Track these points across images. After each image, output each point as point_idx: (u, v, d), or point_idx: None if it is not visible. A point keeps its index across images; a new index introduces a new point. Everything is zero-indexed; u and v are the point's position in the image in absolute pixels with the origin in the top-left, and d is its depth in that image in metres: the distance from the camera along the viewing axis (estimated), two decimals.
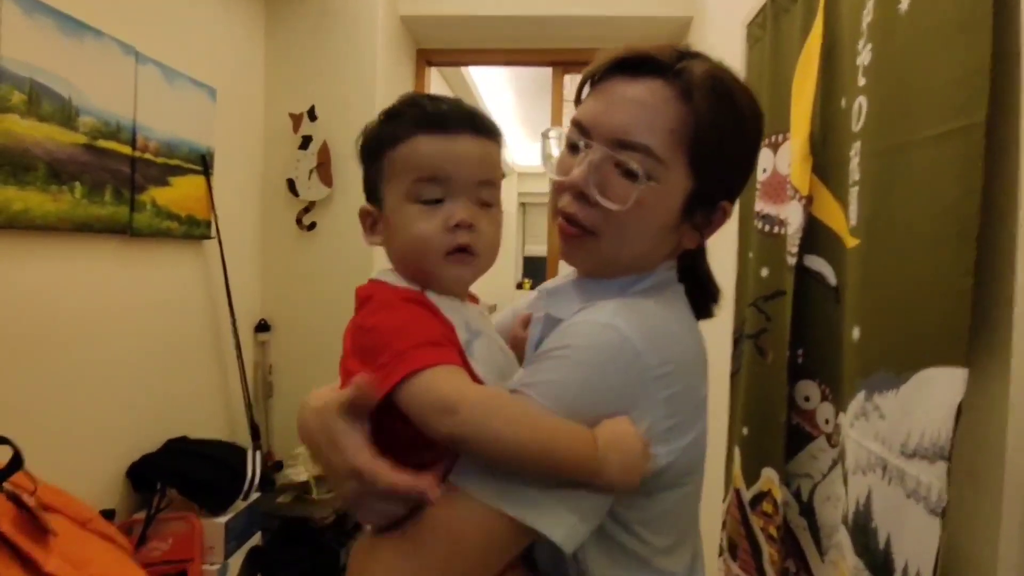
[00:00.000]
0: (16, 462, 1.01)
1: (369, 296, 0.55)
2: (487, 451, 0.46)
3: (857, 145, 0.85)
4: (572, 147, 0.59)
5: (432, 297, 0.55)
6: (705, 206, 0.59)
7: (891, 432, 0.72)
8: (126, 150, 1.45)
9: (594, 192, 0.55)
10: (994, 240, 0.58)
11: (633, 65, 0.57)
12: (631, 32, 2.33)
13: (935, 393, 0.64)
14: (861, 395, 0.80)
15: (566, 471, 0.47)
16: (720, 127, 0.55)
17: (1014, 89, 0.55)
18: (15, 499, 0.98)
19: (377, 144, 0.57)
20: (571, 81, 2.58)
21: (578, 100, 0.62)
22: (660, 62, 0.56)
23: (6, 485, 0.99)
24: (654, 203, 0.55)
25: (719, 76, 0.56)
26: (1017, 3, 0.55)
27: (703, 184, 0.57)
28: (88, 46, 1.32)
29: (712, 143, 0.55)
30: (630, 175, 0.54)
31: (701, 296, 0.67)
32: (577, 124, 0.59)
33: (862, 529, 0.78)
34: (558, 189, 0.60)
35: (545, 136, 0.65)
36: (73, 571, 0.97)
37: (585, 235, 0.58)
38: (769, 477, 1.13)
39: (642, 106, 0.55)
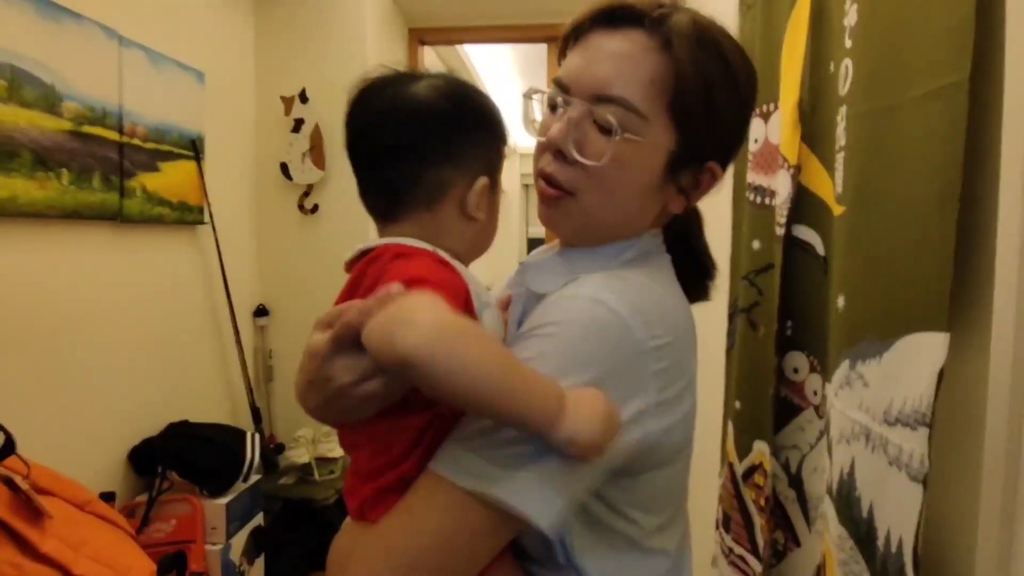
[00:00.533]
0: (8, 446, 1.02)
1: (409, 253, 0.52)
2: (444, 373, 0.40)
3: (843, 110, 0.83)
4: (552, 107, 0.57)
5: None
6: (691, 165, 0.55)
7: (874, 400, 0.72)
8: (113, 136, 1.44)
9: (571, 149, 0.53)
10: (976, 202, 0.56)
11: (614, 17, 0.54)
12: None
13: (917, 359, 0.63)
14: (845, 364, 0.79)
15: (527, 413, 0.43)
16: (704, 78, 0.52)
17: (997, 46, 0.54)
18: (8, 482, 0.99)
19: (499, 128, 0.57)
20: None
21: (561, 57, 0.60)
22: (641, 12, 0.53)
23: (0, 469, 1.01)
24: (634, 160, 0.53)
25: (704, 26, 0.54)
26: None
27: (687, 140, 0.54)
28: (69, 30, 1.31)
29: (695, 95, 0.52)
30: (607, 131, 0.52)
31: (696, 272, 0.64)
32: (558, 82, 0.57)
33: (846, 498, 0.77)
34: (539, 151, 0.57)
35: (527, 97, 0.62)
36: (70, 552, 0.98)
37: (564, 196, 0.55)
38: (760, 450, 1.13)
39: (620, 58, 0.53)
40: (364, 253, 0.55)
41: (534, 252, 0.66)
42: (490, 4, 2.32)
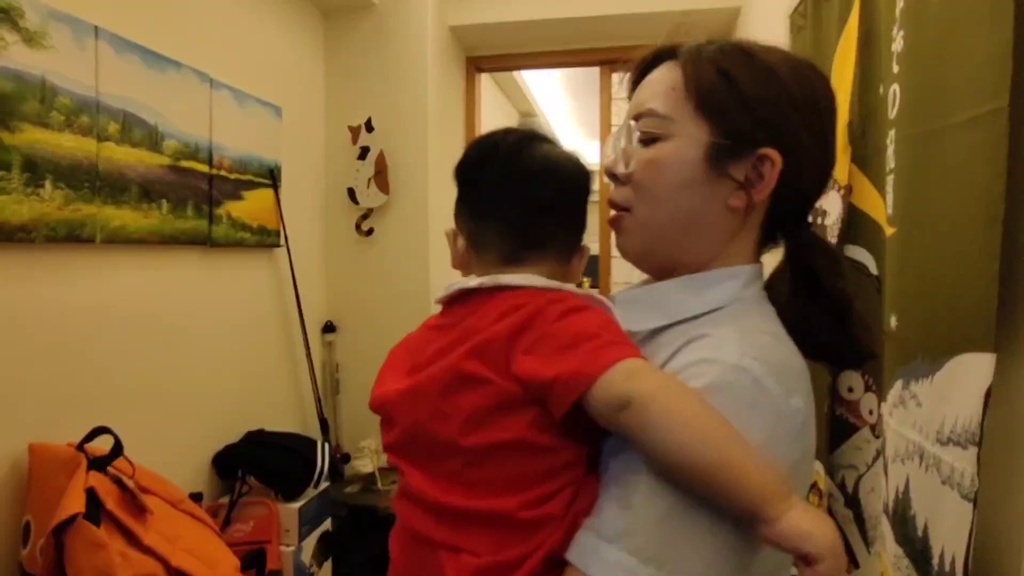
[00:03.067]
0: (117, 449, 1.15)
1: (582, 307, 0.52)
2: (663, 423, 0.43)
3: (892, 133, 0.84)
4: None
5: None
6: (738, 155, 0.52)
7: (927, 420, 0.72)
8: (204, 168, 1.59)
9: (619, 167, 0.57)
10: (1021, 225, 0.58)
11: (658, 59, 0.59)
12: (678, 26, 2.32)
13: (966, 379, 0.64)
14: (899, 384, 0.80)
15: (746, 485, 0.42)
16: (717, 66, 0.53)
17: None
18: (118, 481, 1.11)
19: None
20: (619, 79, 2.59)
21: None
22: (674, 49, 0.57)
23: (110, 469, 1.13)
24: (669, 158, 0.54)
25: (728, 43, 0.56)
26: None
27: (720, 128, 0.53)
28: (170, 77, 1.47)
29: (713, 83, 0.52)
30: (643, 141, 0.55)
31: (830, 320, 0.55)
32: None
33: (901, 517, 0.78)
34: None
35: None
36: (167, 545, 1.09)
37: (623, 215, 0.58)
38: (816, 470, 1.13)
39: (652, 83, 0.57)
40: (469, 291, 0.56)
41: (625, 288, 0.66)
42: (543, 30, 2.40)
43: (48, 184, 1.15)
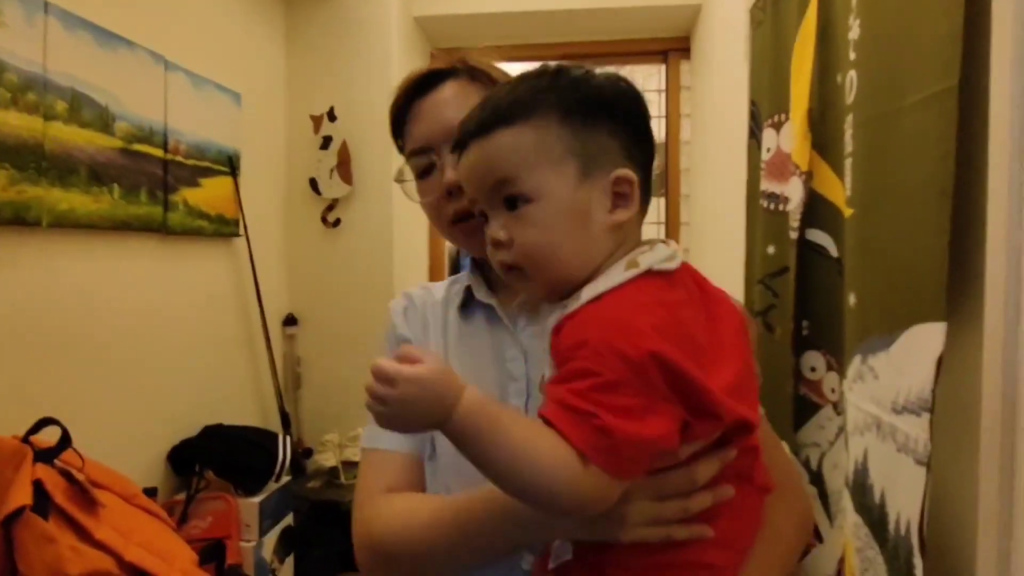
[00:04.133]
0: (64, 441, 1.10)
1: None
2: None
3: (850, 118, 0.87)
4: None
5: None
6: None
7: (884, 391, 0.75)
8: (159, 153, 1.53)
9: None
10: (969, 201, 0.60)
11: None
12: (641, 22, 2.35)
13: (919, 349, 0.67)
14: (857, 359, 0.83)
15: None
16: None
17: (984, 55, 0.58)
18: (66, 474, 1.06)
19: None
20: None
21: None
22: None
23: (57, 462, 1.08)
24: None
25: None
26: None
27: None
28: (122, 56, 1.41)
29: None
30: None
31: None
32: None
33: (860, 487, 0.81)
34: None
35: None
36: (121, 539, 1.05)
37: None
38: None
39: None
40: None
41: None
42: (507, 23, 2.40)
43: None
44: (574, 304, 0.49)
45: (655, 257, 0.51)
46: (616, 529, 0.49)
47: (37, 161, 1.19)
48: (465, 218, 0.65)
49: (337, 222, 2.26)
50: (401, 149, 0.74)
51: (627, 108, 0.54)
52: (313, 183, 2.23)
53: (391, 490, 0.66)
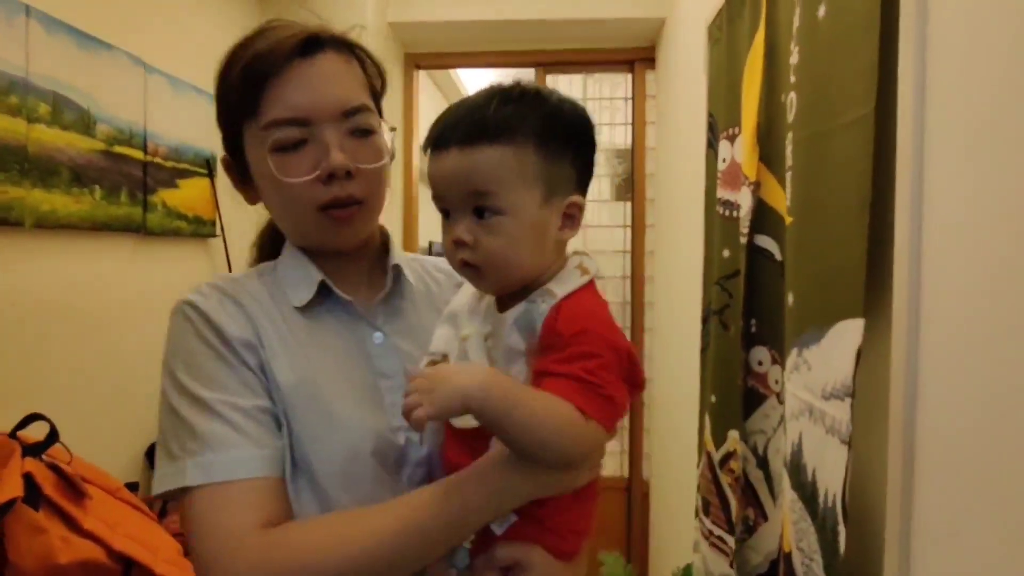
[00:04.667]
0: (52, 436, 1.13)
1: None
2: None
3: (790, 135, 0.97)
4: None
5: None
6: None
7: (815, 380, 0.84)
8: (138, 155, 1.56)
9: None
10: (885, 211, 0.70)
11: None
12: (609, 33, 2.45)
13: (843, 342, 0.76)
14: (795, 352, 0.92)
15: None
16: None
17: (894, 83, 0.67)
18: (55, 468, 1.10)
19: None
20: (552, 81, 2.70)
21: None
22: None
23: (45, 456, 1.11)
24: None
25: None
26: (896, 13, 0.67)
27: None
28: (102, 59, 1.44)
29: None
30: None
31: None
32: None
33: (795, 466, 0.90)
34: None
35: None
36: (108, 530, 1.09)
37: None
38: (733, 437, 1.25)
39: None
40: None
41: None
42: (481, 31, 2.47)
43: None
44: (547, 299, 0.58)
45: (594, 266, 0.62)
46: (576, 479, 0.60)
47: (20, 163, 1.21)
48: (341, 205, 0.63)
49: None
50: (237, 110, 0.63)
51: (587, 141, 0.63)
52: None
53: (269, 525, 0.55)
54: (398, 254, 0.74)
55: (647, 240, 2.58)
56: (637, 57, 2.54)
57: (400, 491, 0.60)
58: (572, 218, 0.62)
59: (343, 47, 0.67)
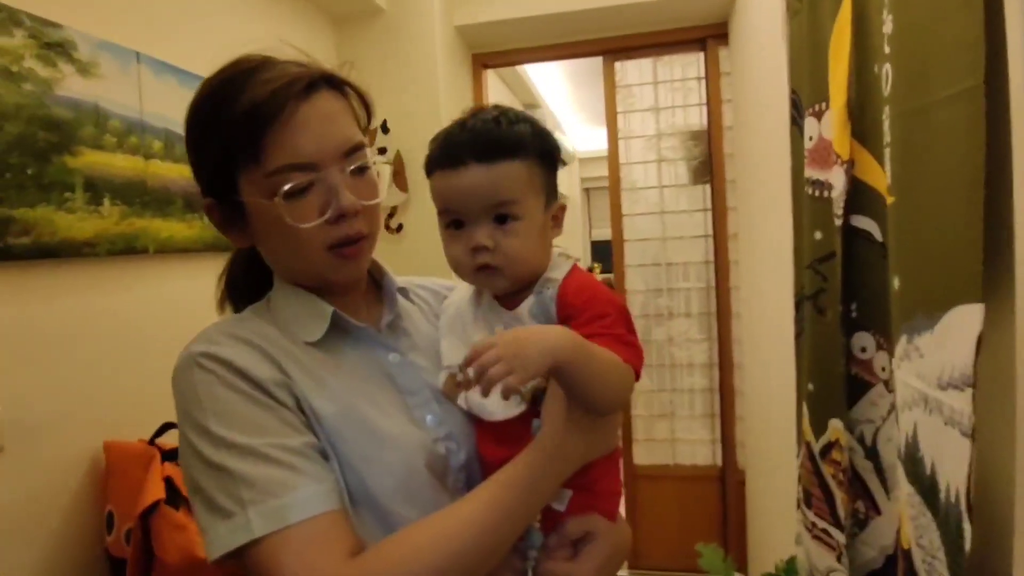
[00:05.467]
0: None
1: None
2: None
3: (887, 109, 0.91)
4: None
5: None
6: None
7: (929, 369, 0.80)
8: None
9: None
10: (1002, 189, 0.65)
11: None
12: (677, 11, 2.38)
13: (960, 328, 0.72)
14: (904, 339, 0.87)
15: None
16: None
17: (1003, 55, 0.63)
18: None
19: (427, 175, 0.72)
20: (621, 68, 2.66)
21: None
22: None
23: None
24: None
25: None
26: None
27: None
28: None
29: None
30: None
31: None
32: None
33: (911, 459, 0.85)
34: None
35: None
36: None
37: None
38: (835, 427, 1.20)
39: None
40: None
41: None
42: (546, 25, 2.46)
43: (106, 202, 1.25)
44: (550, 286, 0.69)
45: (573, 254, 0.75)
46: (612, 440, 0.70)
47: (141, 196, 1.34)
48: (350, 243, 0.65)
49: (400, 227, 2.39)
50: (234, 156, 0.61)
51: (559, 156, 0.74)
52: None
53: (354, 554, 0.54)
54: (394, 277, 0.80)
55: (729, 224, 2.50)
56: (709, 34, 2.45)
57: (451, 498, 0.64)
58: (558, 220, 0.74)
59: (334, 85, 0.68)
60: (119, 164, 1.29)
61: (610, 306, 0.67)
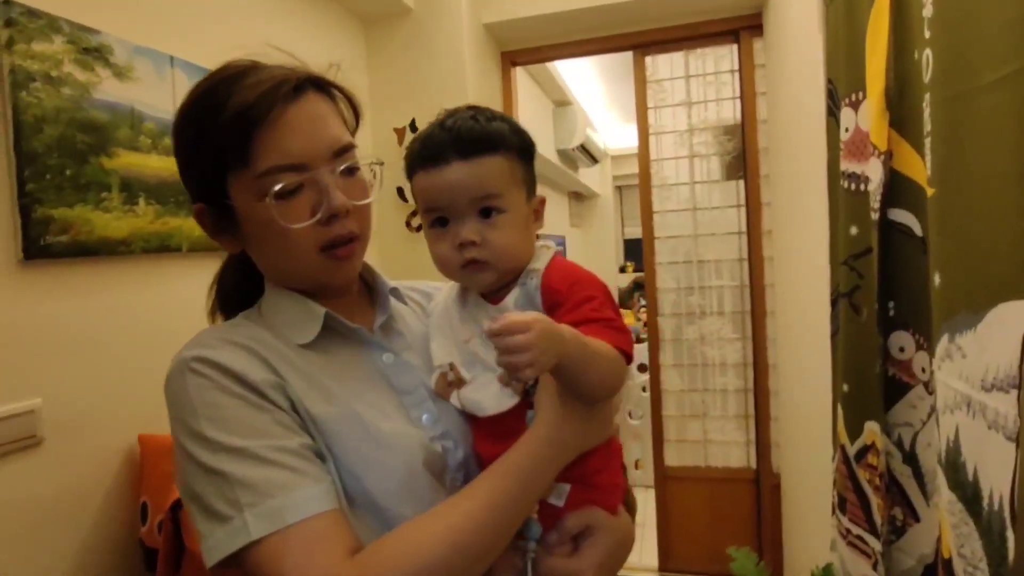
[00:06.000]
0: None
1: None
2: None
3: (928, 96, 0.87)
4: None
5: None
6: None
7: (972, 369, 0.76)
8: None
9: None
10: None
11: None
12: (709, 3, 2.32)
13: (1005, 327, 0.68)
14: (945, 338, 0.83)
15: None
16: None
17: None
18: None
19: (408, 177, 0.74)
20: (652, 62, 2.61)
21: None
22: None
23: None
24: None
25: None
26: None
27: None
28: None
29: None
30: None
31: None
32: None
33: (953, 464, 0.81)
34: None
35: None
36: None
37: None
38: (871, 430, 1.15)
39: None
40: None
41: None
42: (574, 20, 2.43)
43: (141, 201, 1.29)
44: (533, 276, 0.69)
45: (553, 245, 0.75)
46: (609, 426, 0.69)
47: (175, 196, 1.38)
48: (342, 243, 0.65)
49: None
50: (223, 159, 0.61)
51: (535, 152, 0.75)
52: (400, 191, 2.39)
53: (354, 553, 0.54)
54: (386, 278, 0.80)
55: (764, 219, 2.43)
56: (742, 25, 2.39)
57: (448, 496, 0.63)
58: (539, 213, 0.75)
59: (321, 87, 0.69)
60: (153, 165, 1.32)
61: (595, 288, 0.67)
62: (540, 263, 0.71)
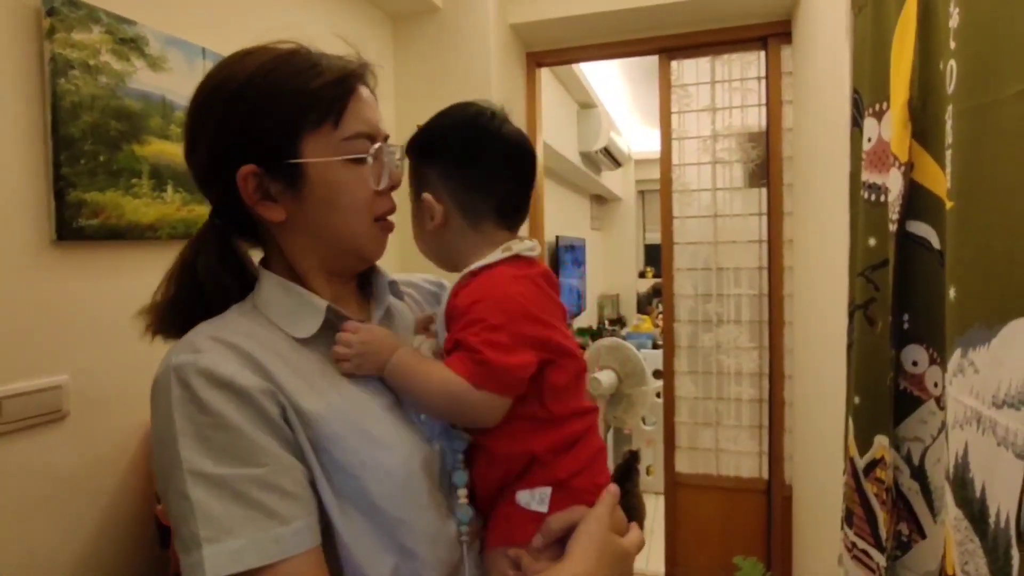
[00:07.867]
0: None
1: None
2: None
3: (950, 108, 0.86)
4: None
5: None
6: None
7: (984, 385, 0.75)
8: None
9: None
10: None
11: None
12: (738, 8, 2.31)
13: (1019, 343, 0.67)
14: (958, 352, 0.82)
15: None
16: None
17: None
18: None
19: None
20: (677, 67, 2.60)
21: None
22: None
23: None
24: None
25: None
26: None
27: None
28: None
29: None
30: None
31: None
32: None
33: (960, 481, 0.81)
34: None
35: None
36: None
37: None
38: (881, 444, 1.14)
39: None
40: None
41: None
42: (601, 22, 2.44)
43: (169, 189, 1.33)
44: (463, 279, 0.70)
45: (522, 246, 0.71)
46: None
47: None
48: (388, 215, 0.72)
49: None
50: (310, 118, 0.63)
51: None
52: None
53: None
54: (386, 271, 0.80)
55: (785, 228, 2.41)
56: (771, 32, 2.37)
57: (445, 498, 0.66)
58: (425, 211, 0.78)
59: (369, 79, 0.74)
60: (182, 153, 1.36)
61: (491, 312, 0.63)
62: (482, 263, 0.71)
